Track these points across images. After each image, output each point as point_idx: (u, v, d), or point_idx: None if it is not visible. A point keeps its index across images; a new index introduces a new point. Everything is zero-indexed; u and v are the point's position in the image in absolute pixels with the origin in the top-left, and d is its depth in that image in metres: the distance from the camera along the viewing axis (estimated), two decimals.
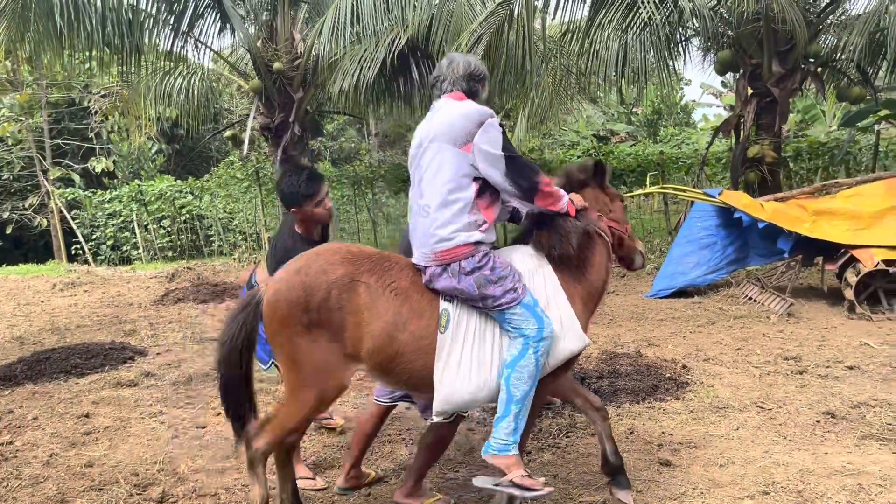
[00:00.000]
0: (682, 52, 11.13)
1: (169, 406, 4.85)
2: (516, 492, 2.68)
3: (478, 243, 2.76)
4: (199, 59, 12.75)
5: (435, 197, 2.74)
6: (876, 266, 6.81)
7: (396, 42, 10.07)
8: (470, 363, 2.71)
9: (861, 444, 3.82)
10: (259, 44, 12.00)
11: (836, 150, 12.35)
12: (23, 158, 18.53)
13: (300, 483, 3.52)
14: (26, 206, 18.36)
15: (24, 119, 17.61)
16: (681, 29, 10.13)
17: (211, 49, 12.16)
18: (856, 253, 6.99)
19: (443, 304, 2.75)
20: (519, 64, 9.55)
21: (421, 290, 2.77)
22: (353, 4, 10.21)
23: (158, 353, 6.39)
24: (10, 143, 18.15)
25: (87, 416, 4.65)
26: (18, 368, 5.74)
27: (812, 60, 9.37)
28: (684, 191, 8.89)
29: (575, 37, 10.06)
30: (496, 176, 2.74)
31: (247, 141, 11.89)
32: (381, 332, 2.64)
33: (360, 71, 10.51)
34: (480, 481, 2.77)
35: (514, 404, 2.70)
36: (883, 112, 10.68)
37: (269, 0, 12.02)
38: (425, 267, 2.77)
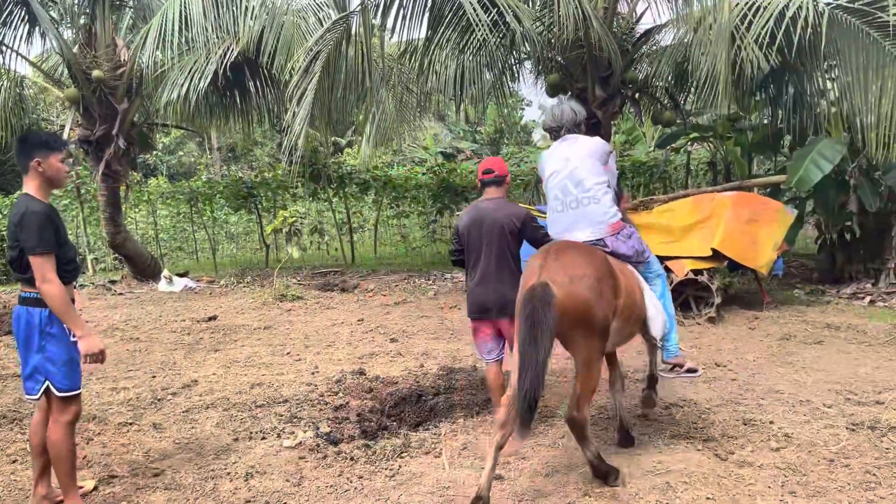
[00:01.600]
0: (517, 75, 11.65)
1: None
2: (689, 374, 4.43)
3: None
4: (5, 63, 11.49)
5: (598, 190, 3.82)
6: (686, 275, 7.45)
7: (229, 54, 9.66)
8: (655, 301, 3.88)
9: (671, 444, 4.09)
10: (76, 49, 11.04)
11: (654, 168, 13.47)
12: None
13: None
14: None
15: None
16: (514, 52, 10.57)
17: (18, 53, 10.99)
18: (670, 264, 7.59)
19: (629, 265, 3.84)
20: (359, 81, 9.51)
21: (619, 260, 3.78)
22: (181, 11, 9.66)
23: None
24: None
25: None
26: None
27: (630, 86, 10.12)
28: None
29: (415, 56, 10.18)
30: (613, 186, 3.98)
31: None
32: (633, 291, 3.68)
33: (191, 82, 9.98)
34: (664, 371, 4.11)
35: (673, 319, 4.13)
36: (693, 134, 11.80)
37: (86, 3, 11.09)
38: (602, 238, 3.79)
